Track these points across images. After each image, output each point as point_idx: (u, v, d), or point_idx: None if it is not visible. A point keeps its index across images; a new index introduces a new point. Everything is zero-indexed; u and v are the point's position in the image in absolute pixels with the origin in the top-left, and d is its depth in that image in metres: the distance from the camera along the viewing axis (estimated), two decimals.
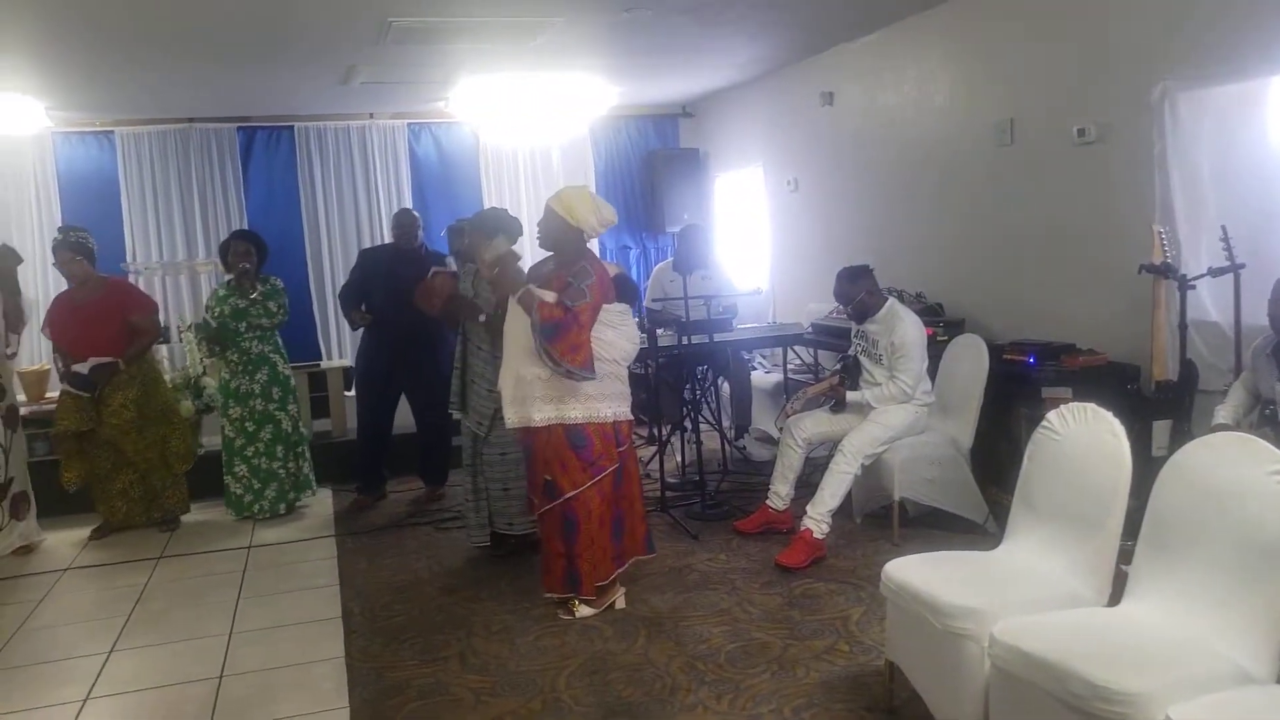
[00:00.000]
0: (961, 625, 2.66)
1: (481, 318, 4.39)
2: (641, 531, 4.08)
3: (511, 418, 3.85)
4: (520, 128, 7.61)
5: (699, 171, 8.30)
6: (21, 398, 5.86)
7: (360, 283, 5.68)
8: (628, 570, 4.08)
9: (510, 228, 4.45)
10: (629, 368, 4.03)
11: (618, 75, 6.73)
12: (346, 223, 8.07)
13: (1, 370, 5.11)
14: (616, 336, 3.87)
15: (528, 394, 3.78)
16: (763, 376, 6.41)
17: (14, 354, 5.26)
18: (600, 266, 3.92)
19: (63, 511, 5.55)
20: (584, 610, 3.91)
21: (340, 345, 7.96)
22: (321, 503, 5.87)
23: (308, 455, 5.76)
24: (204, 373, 6.24)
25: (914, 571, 2.97)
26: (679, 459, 5.77)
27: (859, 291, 4.58)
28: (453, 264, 5.50)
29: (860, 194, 6.29)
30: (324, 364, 6.95)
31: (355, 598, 4.31)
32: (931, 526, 4.63)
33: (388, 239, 6.94)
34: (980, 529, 4.51)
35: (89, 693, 3.52)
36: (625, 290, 4.29)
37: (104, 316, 5.14)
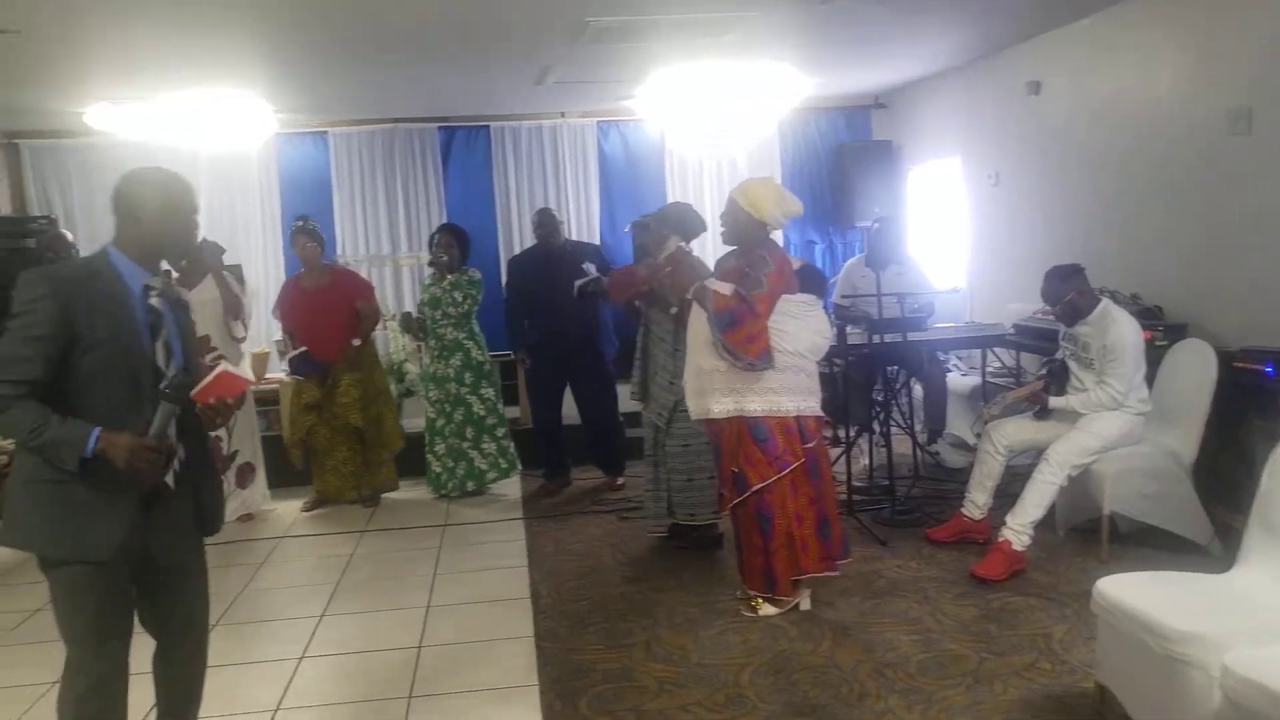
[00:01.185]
0: (1187, 651, 2.47)
1: (673, 310, 4.43)
2: (838, 533, 3.99)
3: (693, 410, 3.87)
4: (706, 120, 7.60)
5: (891, 164, 8.04)
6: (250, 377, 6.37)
7: (520, 291, 5.86)
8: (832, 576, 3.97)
9: (689, 223, 4.47)
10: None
11: (810, 67, 6.61)
12: None
13: (231, 352, 5.56)
14: (799, 328, 3.78)
15: (707, 386, 3.78)
16: (959, 379, 6.14)
17: (243, 338, 5.72)
18: (780, 256, 3.86)
19: (283, 484, 5.99)
20: (767, 609, 3.86)
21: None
22: (511, 486, 6.09)
23: (508, 437, 5.96)
24: (405, 359, 6.60)
25: (1133, 590, 2.77)
26: (865, 462, 5.62)
27: (1069, 291, 4.31)
28: (591, 270, 5.58)
29: (1068, 188, 5.91)
30: (515, 354, 7.17)
31: (543, 580, 4.44)
32: (1145, 545, 4.30)
33: (577, 237, 7.17)
34: (1203, 551, 4.15)
35: (304, 651, 3.79)
36: (811, 282, 4.20)
37: (333, 301, 5.57)
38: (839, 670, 3.38)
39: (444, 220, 7.98)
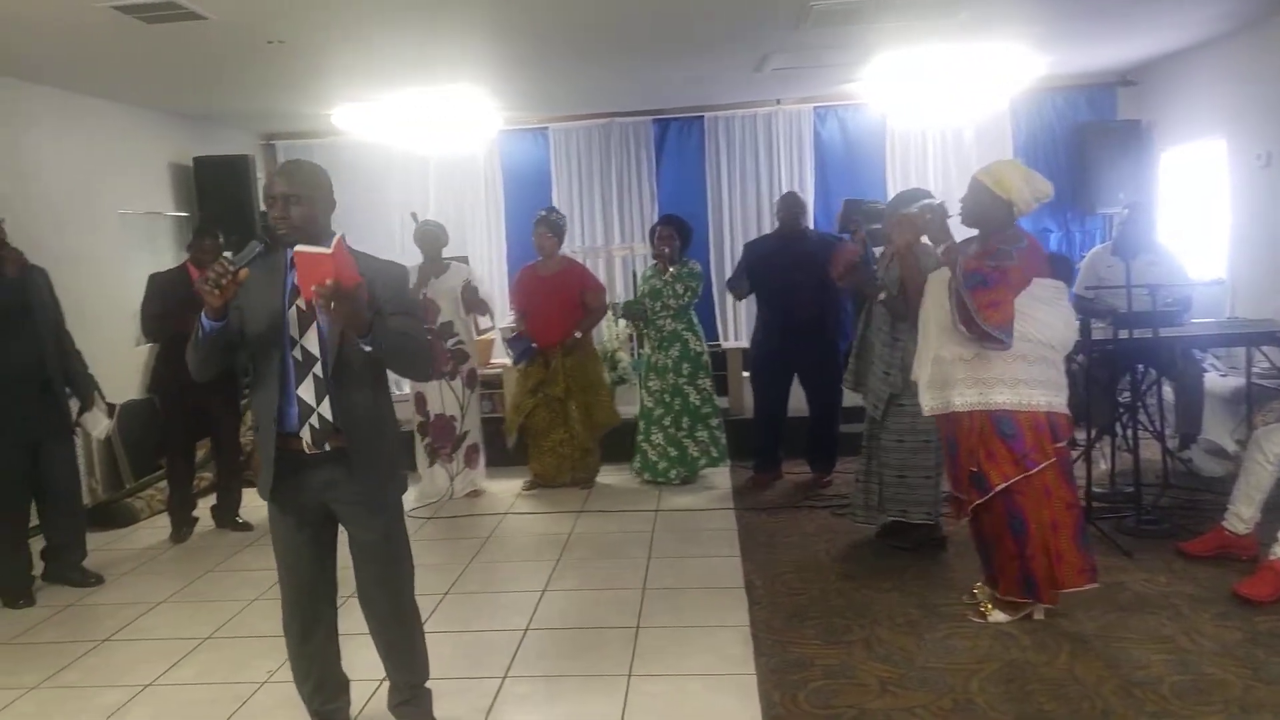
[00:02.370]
0: None
1: (881, 296, 4.27)
2: None
3: (929, 403, 3.65)
4: (932, 106, 7.28)
5: (1139, 146, 7.40)
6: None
7: (753, 275, 5.75)
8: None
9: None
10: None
11: (1046, 44, 6.20)
12: (748, 209, 8.27)
13: (469, 341, 5.86)
14: (1051, 316, 3.50)
15: (948, 377, 3.57)
16: (1218, 380, 5.56)
17: (488, 329, 6.02)
18: (1031, 238, 3.61)
19: (501, 463, 6.25)
20: (998, 615, 3.65)
21: (737, 328, 8.19)
22: (721, 476, 6.08)
23: (720, 428, 5.97)
24: (619, 347, 6.73)
25: None
26: (1105, 466, 5.20)
27: None
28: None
29: None
30: (725, 344, 7.19)
31: (756, 571, 4.39)
32: None
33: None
34: None
35: (529, 623, 3.93)
36: (1058, 270, 3.91)
37: (564, 290, 5.77)
38: (1079, 685, 3.14)
39: (656, 212, 8.11)
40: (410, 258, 5.84)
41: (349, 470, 2.64)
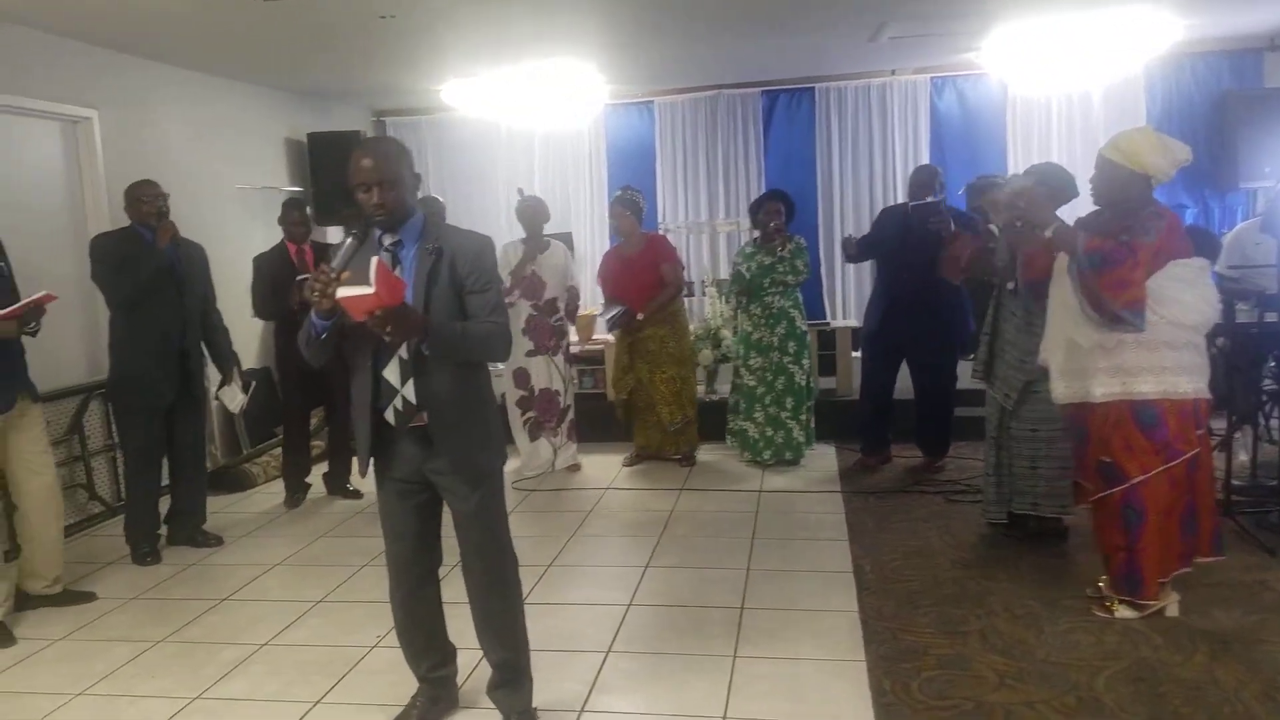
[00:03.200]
0: None
1: (1010, 285, 4.05)
2: (1210, 528, 3.47)
3: (1062, 392, 3.44)
4: (1057, 74, 6.92)
5: None
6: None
7: (873, 241, 5.59)
8: (1186, 573, 3.51)
9: (1055, 180, 4.02)
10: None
11: (1186, 6, 5.80)
12: (860, 183, 8.04)
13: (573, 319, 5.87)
14: (1193, 298, 3.27)
15: (1085, 365, 3.36)
16: None
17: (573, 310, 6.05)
18: (1171, 214, 3.37)
19: (605, 439, 6.25)
20: (1125, 611, 3.45)
21: (846, 306, 8.00)
22: (825, 458, 5.95)
23: (811, 410, 5.86)
24: (722, 325, 6.63)
25: None
26: (1245, 458, 4.87)
27: None
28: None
29: None
30: (832, 323, 7.02)
31: (865, 555, 4.27)
32: None
33: (902, 199, 6.80)
34: None
35: (631, 599, 3.90)
36: (1202, 245, 3.64)
37: (645, 267, 5.69)
38: (1219, 689, 2.94)
39: (764, 186, 7.95)
40: (516, 234, 5.89)
41: (437, 445, 2.67)
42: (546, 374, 5.78)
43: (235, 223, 6.52)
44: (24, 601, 3.93)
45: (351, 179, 2.59)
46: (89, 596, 4.08)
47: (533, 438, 5.85)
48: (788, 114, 8.20)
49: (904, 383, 5.61)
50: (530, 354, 5.72)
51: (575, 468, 5.94)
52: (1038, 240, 3.48)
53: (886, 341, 5.50)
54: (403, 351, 2.61)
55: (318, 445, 6.11)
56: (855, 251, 5.61)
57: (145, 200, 4.44)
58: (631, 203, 5.79)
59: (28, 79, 4.93)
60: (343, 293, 2.41)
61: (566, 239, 6.95)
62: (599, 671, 3.28)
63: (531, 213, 5.72)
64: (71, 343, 5.15)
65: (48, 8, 4.65)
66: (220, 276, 5.21)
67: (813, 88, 8.06)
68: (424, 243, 2.65)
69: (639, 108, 8.33)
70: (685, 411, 5.88)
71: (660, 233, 7.09)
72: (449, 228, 2.75)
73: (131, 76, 5.68)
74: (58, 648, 3.65)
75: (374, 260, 2.40)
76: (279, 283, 5.17)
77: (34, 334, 3.77)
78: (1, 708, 3.19)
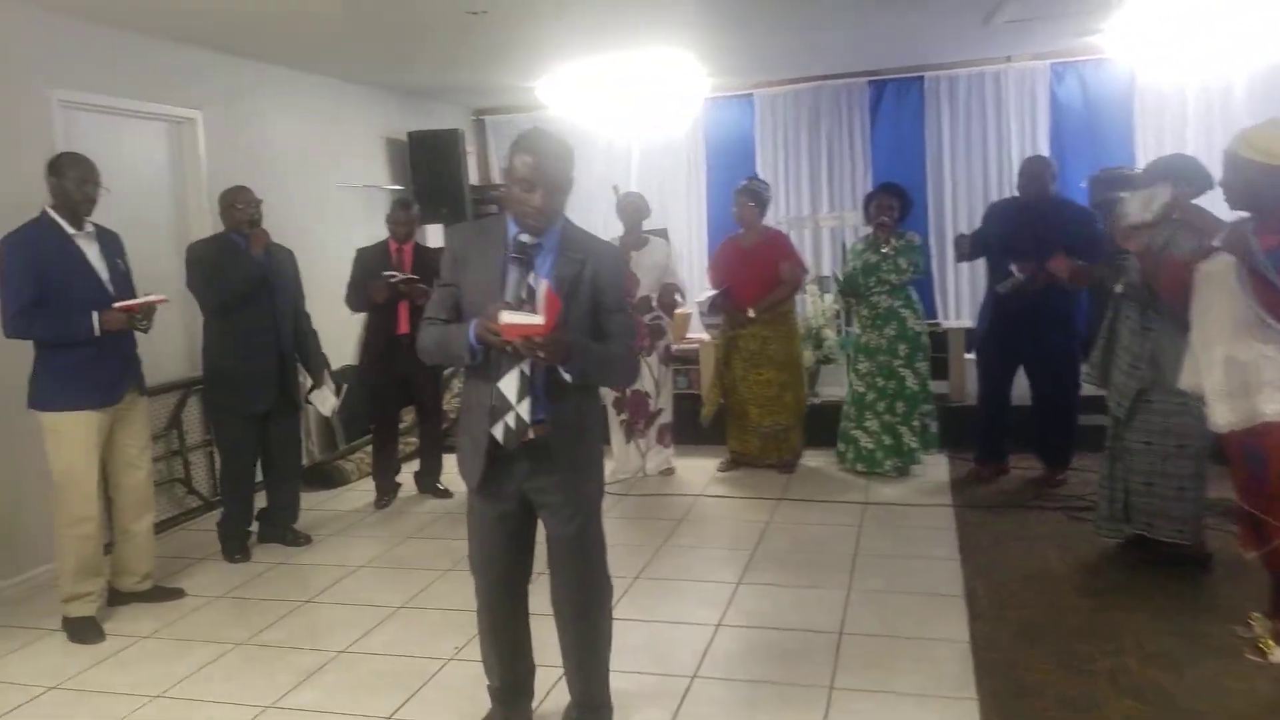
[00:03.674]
0: None
1: (1118, 287, 3.71)
2: None
3: (1225, 416, 3.02)
4: (1192, 59, 6.36)
5: None
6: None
7: (982, 237, 5.26)
8: None
9: (1187, 171, 3.64)
10: None
11: None
12: (973, 175, 7.60)
13: (665, 317, 5.65)
14: None
15: (1251, 380, 2.95)
16: None
17: (681, 305, 5.85)
18: None
19: (693, 441, 6.02)
20: None
21: (959, 305, 7.57)
22: (936, 468, 5.60)
23: (933, 415, 5.50)
24: (824, 324, 6.34)
25: None
26: None
27: None
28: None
29: None
30: (944, 324, 6.64)
31: (978, 577, 3.95)
32: None
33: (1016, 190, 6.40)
34: None
35: (721, 619, 3.67)
36: None
37: (763, 262, 5.46)
38: None
39: (870, 180, 7.61)
40: (612, 231, 5.73)
41: (546, 464, 2.54)
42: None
43: (335, 222, 6.55)
44: (115, 598, 3.95)
45: (509, 175, 2.47)
46: (178, 593, 4.09)
47: (626, 440, 5.68)
48: (895, 104, 7.81)
49: (1022, 388, 5.23)
50: None
51: (669, 472, 5.74)
52: (1189, 255, 3.15)
53: (1000, 344, 5.14)
54: (525, 365, 2.47)
55: (411, 442, 6.08)
56: (968, 250, 5.26)
57: (239, 207, 4.45)
58: (756, 193, 5.58)
59: (134, 82, 5.00)
60: (508, 318, 2.32)
61: (663, 234, 6.76)
62: (683, 699, 3.07)
63: (633, 209, 5.58)
64: (173, 339, 5.21)
65: (154, 12, 4.70)
66: (319, 275, 5.23)
67: (922, 77, 7.66)
68: (565, 252, 2.52)
69: (738, 101, 8.06)
70: (779, 419, 5.60)
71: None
72: (589, 237, 2.63)
73: (234, 77, 5.73)
74: (142, 646, 3.64)
75: (543, 285, 2.34)
76: (371, 278, 5.15)
77: (145, 330, 3.82)
78: (80, 708, 3.17)
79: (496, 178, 8.60)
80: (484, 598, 2.72)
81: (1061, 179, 7.17)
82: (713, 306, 5.56)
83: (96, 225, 3.81)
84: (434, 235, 7.52)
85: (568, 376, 2.44)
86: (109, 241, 3.85)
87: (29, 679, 3.37)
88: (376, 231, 5.85)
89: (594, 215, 7.91)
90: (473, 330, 2.40)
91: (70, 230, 3.68)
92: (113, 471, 3.87)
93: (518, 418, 2.47)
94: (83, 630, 3.68)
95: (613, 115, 7.35)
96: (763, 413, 5.59)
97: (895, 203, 5.35)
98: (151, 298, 3.75)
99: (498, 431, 2.49)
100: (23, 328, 3.58)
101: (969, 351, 6.18)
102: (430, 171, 7.30)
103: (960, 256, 5.42)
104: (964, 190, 7.62)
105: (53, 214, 3.67)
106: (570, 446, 2.55)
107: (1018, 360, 5.18)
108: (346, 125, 6.88)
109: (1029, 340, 5.02)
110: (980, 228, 5.43)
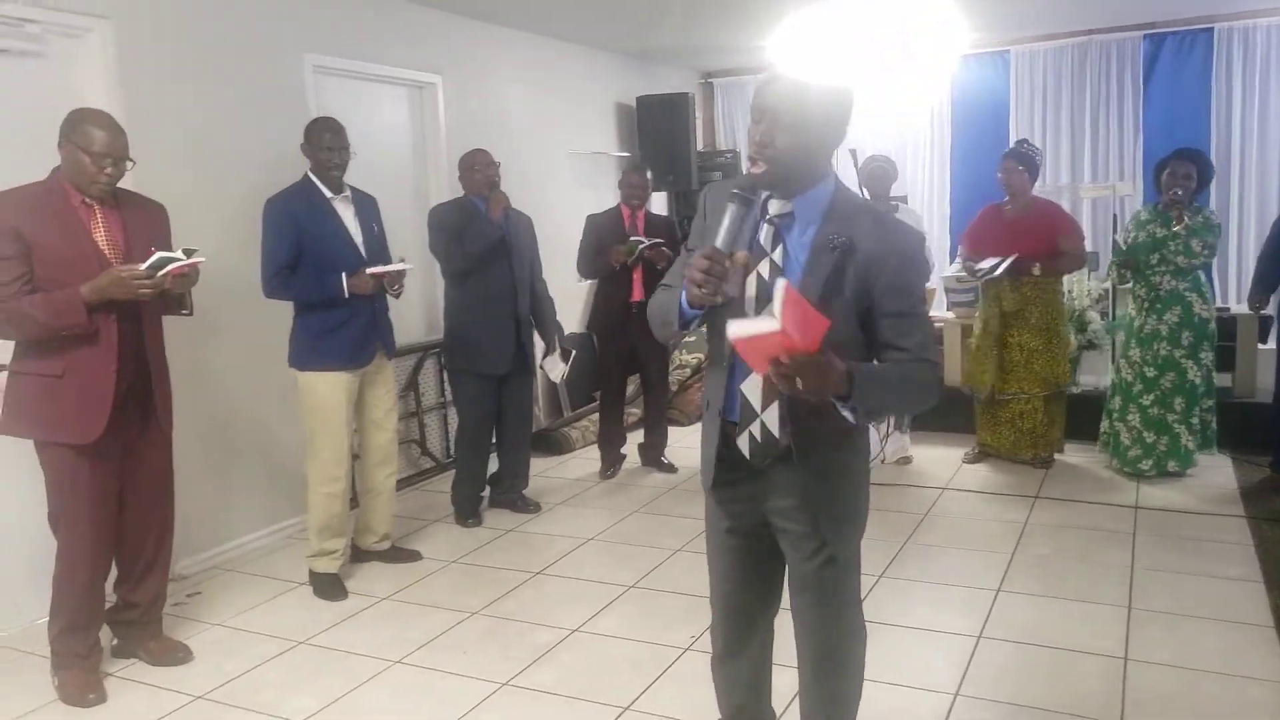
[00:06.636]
0: None
1: None
2: None
3: None
4: None
5: None
6: None
7: None
8: None
9: None
10: None
11: None
12: (1269, 144, 6.63)
13: None
14: None
15: None
16: None
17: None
18: None
19: (937, 428, 5.57)
20: None
21: (1248, 289, 6.64)
22: (1219, 471, 4.91)
23: (1212, 411, 4.83)
24: (1089, 305, 5.70)
25: None
26: None
27: None
28: None
29: None
30: (1233, 308, 5.82)
31: None
32: None
33: None
34: None
35: (981, 630, 3.30)
36: None
37: (1033, 235, 4.90)
38: None
39: (1141, 146, 6.81)
40: None
41: (790, 487, 2.03)
42: None
43: (567, 187, 6.52)
44: (357, 555, 4.05)
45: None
46: (415, 555, 4.14)
47: None
48: (1175, 61, 6.91)
49: None
50: None
51: (905, 460, 5.33)
52: None
53: None
54: None
55: (634, 413, 5.99)
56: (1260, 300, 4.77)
57: (478, 169, 4.45)
58: (1026, 158, 5.02)
59: (379, 45, 5.08)
60: (737, 331, 1.71)
61: (902, 203, 6.29)
62: (946, 719, 2.75)
63: (880, 174, 5.19)
64: (411, 303, 5.31)
65: None
66: (550, 240, 5.18)
67: (1211, 28, 6.72)
68: (827, 227, 1.93)
69: (991, 58, 7.38)
70: (1023, 386, 5.00)
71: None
72: (868, 211, 2.02)
73: (473, 40, 5.75)
74: (381, 607, 3.69)
75: (781, 284, 1.68)
76: (607, 244, 5.05)
77: (397, 295, 3.88)
78: (329, 666, 3.22)
79: (723, 143, 8.35)
80: (714, 619, 2.31)
81: None
82: (985, 274, 4.97)
83: (354, 189, 3.88)
84: (657, 203, 7.37)
85: (849, 416, 1.86)
86: (366, 205, 3.91)
87: (280, 631, 3.47)
88: (603, 199, 5.75)
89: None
90: (684, 297, 1.92)
91: (328, 194, 3.75)
92: (360, 430, 3.95)
93: (764, 428, 2.00)
94: (327, 587, 3.78)
95: (850, 74, 6.90)
96: (1007, 378, 5.06)
97: (1192, 170, 4.65)
98: (399, 265, 3.78)
99: (743, 444, 2.04)
100: (279, 288, 3.70)
101: (1262, 341, 5.38)
102: (658, 137, 7.15)
103: (1254, 308, 4.87)
104: (1257, 160, 6.67)
105: (313, 178, 3.76)
106: (824, 464, 2.03)
107: None
108: (578, 90, 6.82)
109: None
110: None
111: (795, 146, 1.90)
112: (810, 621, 2.18)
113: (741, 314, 1.92)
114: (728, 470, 2.10)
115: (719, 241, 1.87)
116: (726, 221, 1.88)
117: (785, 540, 2.11)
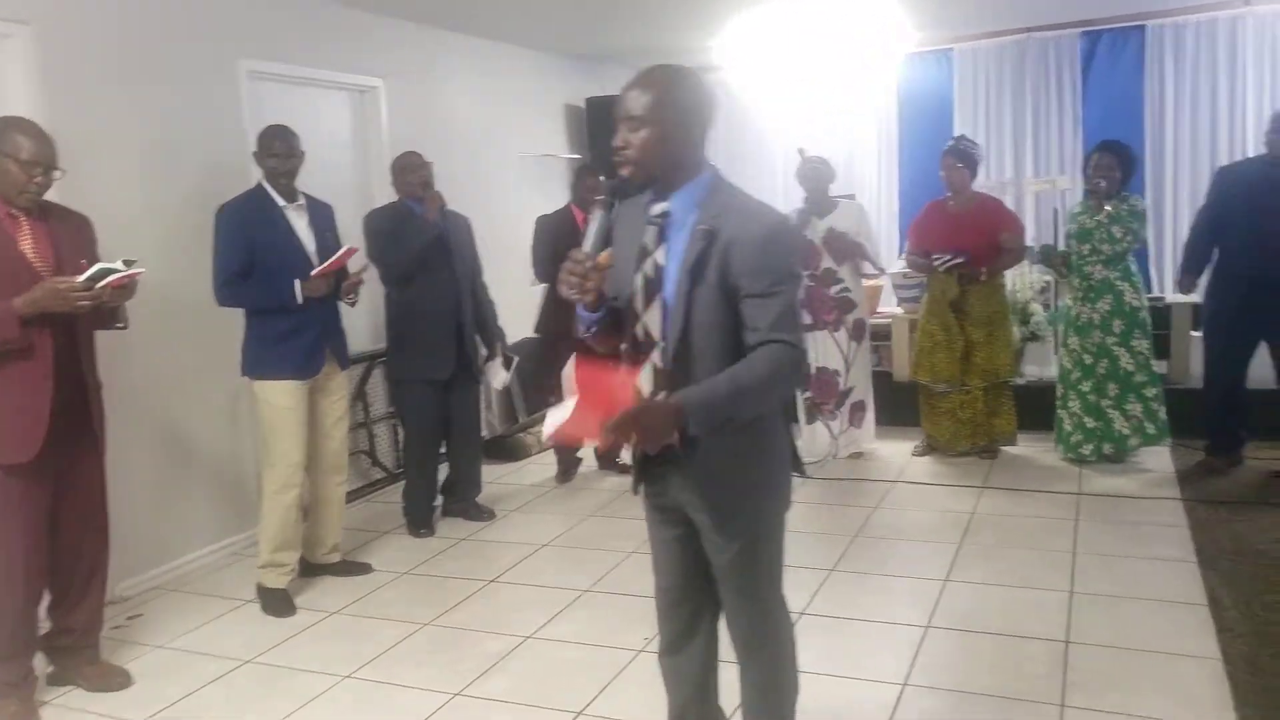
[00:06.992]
0: None
1: None
2: None
3: None
4: None
5: None
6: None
7: (1212, 209, 4.77)
8: None
9: None
10: None
11: None
12: (1199, 136, 6.83)
13: (855, 289, 5.28)
14: None
15: None
16: None
17: (874, 275, 5.45)
18: None
19: (891, 423, 5.64)
20: None
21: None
22: (1158, 456, 5.04)
23: (1159, 399, 4.93)
24: (1031, 298, 5.82)
25: None
26: None
27: None
28: None
29: None
30: (1166, 298, 5.98)
31: (1222, 584, 3.48)
32: None
33: (1252, 152, 5.73)
34: None
35: (929, 620, 3.36)
36: None
37: (975, 231, 5.00)
38: None
39: (1081, 140, 6.97)
40: (794, 197, 5.41)
41: (695, 480, 2.05)
42: (824, 351, 5.26)
43: (516, 191, 6.50)
44: (306, 569, 4.00)
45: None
46: (365, 568, 4.12)
47: (809, 421, 5.37)
48: (1110, 57, 7.10)
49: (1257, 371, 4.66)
50: (806, 329, 5.21)
51: (859, 456, 5.41)
52: None
53: (1239, 321, 4.61)
54: (657, 357, 2.01)
55: None
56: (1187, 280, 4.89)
57: (410, 171, 4.41)
58: (966, 154, 5.12)
59: (318, 50, 5.01)
60: (547, 429, 1.85)
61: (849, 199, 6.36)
62: (894, 710, 2.80)
63: (814, 174, 5.22)
64: (356, 311, 5.20)
65: None
66: (501, 244, 5.17)
67: (1143, 26, 6.92)
68: (702, 217, 1.96)
69: (935, 56, 7.50)
70: (968, 380, 5.11)
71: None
72: (737, 200, 2.00)
73: (416, 44, 5.72)
74: (331, 622, 3.66)
75: (570, 365, 1.82)
76: (559, 247, 5.03)
77: (352, 304, 3.87)
78: (276, 684, 3.18)
79: None
80: (657, 615, 2.32)
81: None
82: (943, 265, 5.04)
83: (309, 197, 3.85)
84: None
85: (694, 433, 1.87)
86: (320, 214, 3.88)
87: (225, 651, 3.42)
88: (554, 201, 5.74)
89: (774, 181, 7.61)
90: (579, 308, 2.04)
91: (281, 202, 3.72)
92: (310, 440, 3.91)
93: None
94: (276, 603, 3.74)
95: (796, 72, 6.97)
96: (979, 381, 5.14)
97: (1114, 161, 4.77)
98: (340, 253, 3.71)
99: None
100: (230, 296, 3.67)
101: (1194, 329, 5.54)
102: (608, 138, 7.10)
103: (1185, 288, 4.96)
104: (1190, 153, 6.89)
105: (266, 186, 3.73)
106: (724, 455, 2.01)
107: (1259, 337, 4.65)
108: (526, 92, 6.82)
109: (1266, 311, 4.51)
110: (1208, 201, 4.88)
111: (654, 144, 1.95)
112: (731, 610, 2.21)
113: (633, 313, 2.04)
114: (649, 468, 2.13)
115: (586, 245, 1.97)
116: (593, 226, 1.99)
117: (701, 530, 2.13)
